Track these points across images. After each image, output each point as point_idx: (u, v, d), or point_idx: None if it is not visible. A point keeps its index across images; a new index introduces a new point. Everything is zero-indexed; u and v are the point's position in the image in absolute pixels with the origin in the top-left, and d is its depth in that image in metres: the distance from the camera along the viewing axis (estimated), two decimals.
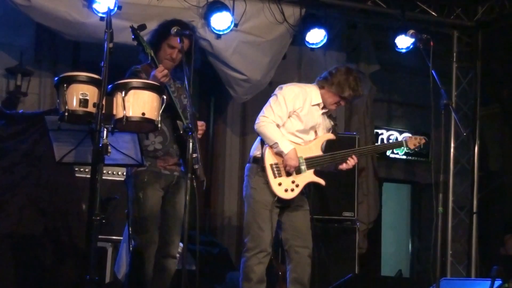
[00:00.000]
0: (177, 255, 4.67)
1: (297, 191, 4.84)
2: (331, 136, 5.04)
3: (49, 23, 6.52)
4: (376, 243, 9.12)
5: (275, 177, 4.81)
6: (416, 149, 5.33)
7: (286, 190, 4.82)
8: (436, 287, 4.63)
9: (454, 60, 8.19)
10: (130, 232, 4.58)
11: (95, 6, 6.32)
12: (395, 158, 9.80)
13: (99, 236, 3.74)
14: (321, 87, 4.96)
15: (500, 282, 5.03)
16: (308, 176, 4.89)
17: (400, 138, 9.80)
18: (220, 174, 8.12)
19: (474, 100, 8.14)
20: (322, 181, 4.96)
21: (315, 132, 5.00)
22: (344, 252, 6.83)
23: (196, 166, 4.00)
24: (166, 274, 4.57)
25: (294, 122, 4.91)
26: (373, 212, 8.27)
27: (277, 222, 4.93)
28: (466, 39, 8.22)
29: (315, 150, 4.94)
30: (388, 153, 9.73)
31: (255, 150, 4.96)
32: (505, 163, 9.46)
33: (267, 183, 4.81)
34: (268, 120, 4.84)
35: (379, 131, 9.63)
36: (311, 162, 4.90)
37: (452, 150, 8.13)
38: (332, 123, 5.09)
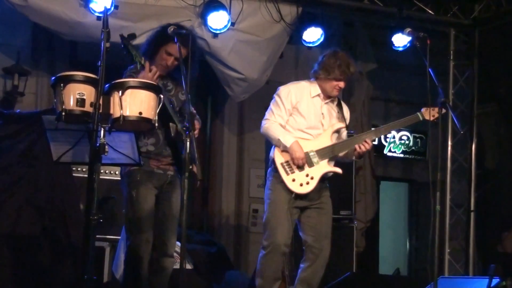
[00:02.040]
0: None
1: (313, 183, 4.87)
2: (339, 125, 5.06)
3: (46, 23, 6.52)
4: (374, 241, 9.12)
5: (287, 174, 4.86)
6: (435, 121, 5.08)
7: (301, 185, 4.85)
8: (434, 286, 4.63)
9: (451, 58, 8.18)
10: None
11: (92, 5, 6.31)
12: (392, 157, 9.80)
13: (97, 236, 3.75)
14: (316, 78, 5.03)
15: (498, 280, 5.04)
16: (323, 167, 4.92)
17: (397, 136, 9.83)
18: (218, 173, 8.12)
19: (471, 98, 8.14)
20: (338, 170, 5.00)
21: (323, 125, 5.02)
22: (342, 250, 6.82)
23: (193, 166, 4.00)
24: (163, 274, 4.57)
25: (297, 119, 4.97)
26: (371, 210, 8.27)
27: (297, 223, 4.96)
28: (463, 37, 8.22)
29: (326, 141, 4.98)
30: (386, 151, 9.73)
31: (270, 153, 5.02)
32: (502, 161, 9.46)
33: (282, 182, 4.86)
34: (270, 121, 4.96)
35: None
36: (322, 153, 4.93)
37: (449, 148, 8.12)
38: (340, 113, 5.09)
